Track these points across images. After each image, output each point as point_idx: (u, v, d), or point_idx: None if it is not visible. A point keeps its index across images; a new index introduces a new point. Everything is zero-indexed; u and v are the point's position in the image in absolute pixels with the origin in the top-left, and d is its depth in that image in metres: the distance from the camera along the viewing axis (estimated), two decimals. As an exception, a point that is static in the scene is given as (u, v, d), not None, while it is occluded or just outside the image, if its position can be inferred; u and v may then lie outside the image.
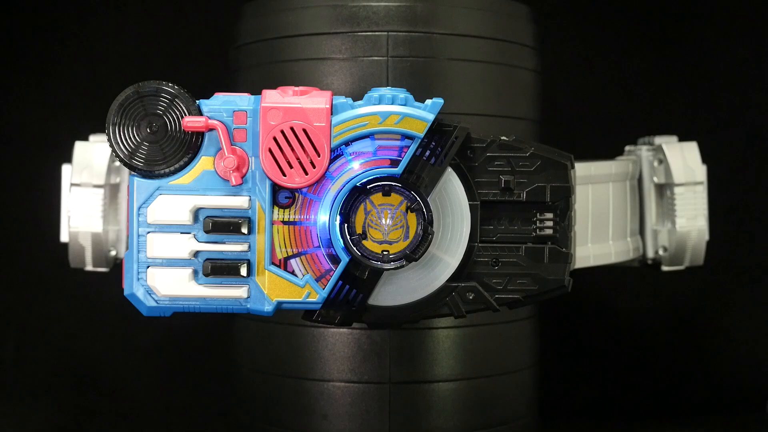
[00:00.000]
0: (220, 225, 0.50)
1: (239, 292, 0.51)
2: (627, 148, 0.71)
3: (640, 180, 0.68)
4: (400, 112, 0.50)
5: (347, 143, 0.50)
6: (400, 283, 0.52)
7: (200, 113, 0.50)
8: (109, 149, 0.53)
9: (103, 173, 0.63)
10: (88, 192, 0.63)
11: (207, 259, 0.51)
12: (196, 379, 0.88)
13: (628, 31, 0.92)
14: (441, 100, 0.50)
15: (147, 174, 0.50)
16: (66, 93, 0.90)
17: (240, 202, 0.50)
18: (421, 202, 0.51)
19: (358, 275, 0.51)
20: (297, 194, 0.51)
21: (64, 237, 0.64)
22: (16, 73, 0.90)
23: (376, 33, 0.59)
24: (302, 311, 0.53)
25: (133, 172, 0.51)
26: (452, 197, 0.51)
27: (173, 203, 0.50)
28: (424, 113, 0.50)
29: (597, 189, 0.63)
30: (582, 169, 0.60)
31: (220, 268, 0.51)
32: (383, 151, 0.50)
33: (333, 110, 0.50)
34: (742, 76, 0.90)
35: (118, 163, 0.63)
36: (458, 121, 0.51)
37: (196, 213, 0.51)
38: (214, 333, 0.83)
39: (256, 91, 0.51)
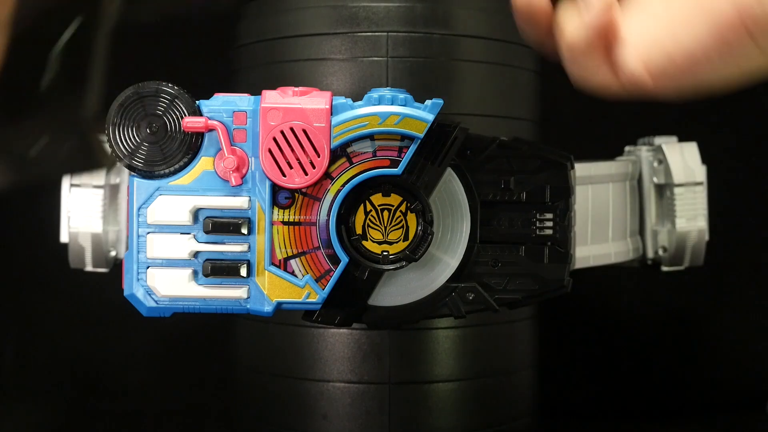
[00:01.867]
0: (220, 225, 0.50)
1: (239, 292, 0.51)
2: (627, 148, 0.71)
3: (639, 180, 0.68)
4: (400, 113, 0.50)
5: (347, 143, 0.50)
6: (400, 283, 0.52)
7: (200, 114, 0.50)
8: (109, 149, 0.53)
9: (103, 174, 0.63)
10: (88, 192, 0.63)
11: (207, 260, 0.51)
12: (196, 379, 0.88)
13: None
14: (440, 101, 0.50)
15: (147, 174, 0.50)
16: (66, 93, 0.90)
17: (240, 202, 0.50)
18: (421, 203, 0.51)
19: (358, 276, 0.51)
20: (297, 195, 0.51)
21: (64, 237, 0.64)
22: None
23: (376, 33, 0.59)
24: (302, 311, 0.53)
25: (132, 173, 0.51)
26: (452, 197, 0.51)
27: (173, 204, 0.50)
28: (423, 114, 0.50)
29: (597, 189, 0.63)
30: (582, 169, 0.60)
31: (219, 269, 0.51)
32: (383, 152, 0.50)
33: (333, 111, 0.50)
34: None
35: (118, 164, 0.63)
36: (458, 121, 0.51)
37: (196, 213, 0.51)
38: (214, 333, 0.83)
39: (256, 91, 0.51)
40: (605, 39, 0.44)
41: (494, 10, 0.62)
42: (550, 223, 0.52)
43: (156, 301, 0.51)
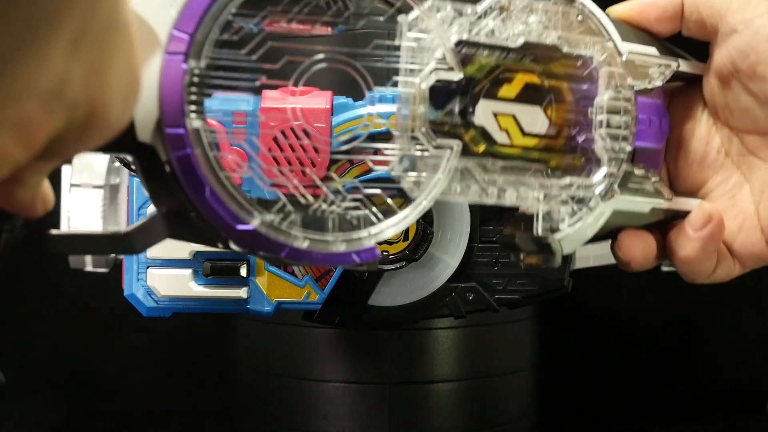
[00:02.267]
0: (220, 225, 0.50)
1: (239, 292, 0.51)
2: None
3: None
4: (400, 113, 0.49)
5: (348, 143, 0.50)
6: (400, 283, 0.52)
7: (200, 114, 0.50)
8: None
9: (102, 174, 0.63)
10: (88, 192, 0.63)
11: (207, 260, 0.51)
12: (196, 379, 0.88)
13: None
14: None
15: (147, 174, 0.50)
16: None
17: (240, 202, 0.50)
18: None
19: (358, 276, 0.51)
20: (297, 195, 0.51)
21: (63, 237, 0.64)
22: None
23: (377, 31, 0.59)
24: (302, 311, 0.53)
25: (132, 173, 0.51)
26: (452, 197, 0.51)
27: (173, 204, 0.50)
28: (423, 114, 0.50)
29: (597, 189, 0.63)
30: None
31: (219, 269, 0.51)
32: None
33: (333, 110, 0.50)
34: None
35: (117, 164, 0.63)
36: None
37: (196, 213, 0.51)
38: (214, 333, 0.83)
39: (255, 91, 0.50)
40: (718, 242, 0.44)
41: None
42: (550, 223, 0.52)
43: (156, 301, 0.51)
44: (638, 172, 0.44)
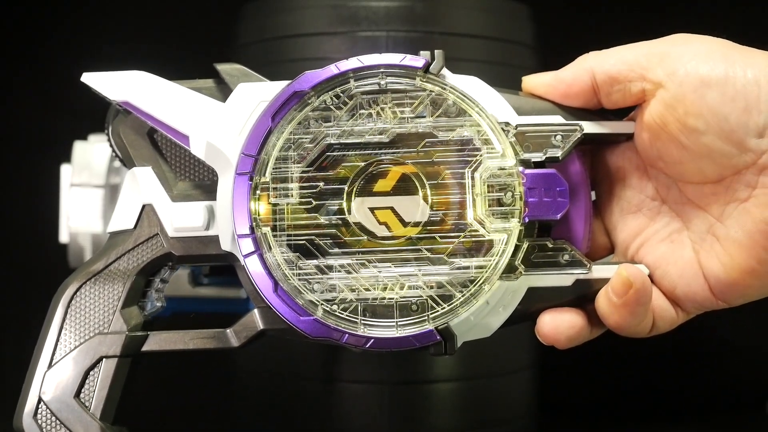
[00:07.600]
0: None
1: (239, 292, 0.51)
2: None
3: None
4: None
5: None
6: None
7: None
8: (109, 149, 0.53)
9: (102, 173, 0.63)
10: (88, 192, 0.63)
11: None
12: (196, 379, 0.88)
13: (629, 31, 0.91)
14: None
15: (147, 174, 0.50)
16: (66, 93, 0.90)
17: (240, 202, 0.50)
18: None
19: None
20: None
21: (63, 237, 0.64)
22: (16, 73, 0.90)
23: (376, 33, 0.59)
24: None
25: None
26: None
27: (173, 203, 0.50)
28: (423, 113, 0.50)
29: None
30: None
31: (219, 269, 0.51)
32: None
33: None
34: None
35: (118, 164, 0.63)
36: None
37: (196, 213, 0.50)
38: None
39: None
40: (645, 304, 0.44)
41: (494, 10, 0.62)
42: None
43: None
44: (551, 245, 0.44)
